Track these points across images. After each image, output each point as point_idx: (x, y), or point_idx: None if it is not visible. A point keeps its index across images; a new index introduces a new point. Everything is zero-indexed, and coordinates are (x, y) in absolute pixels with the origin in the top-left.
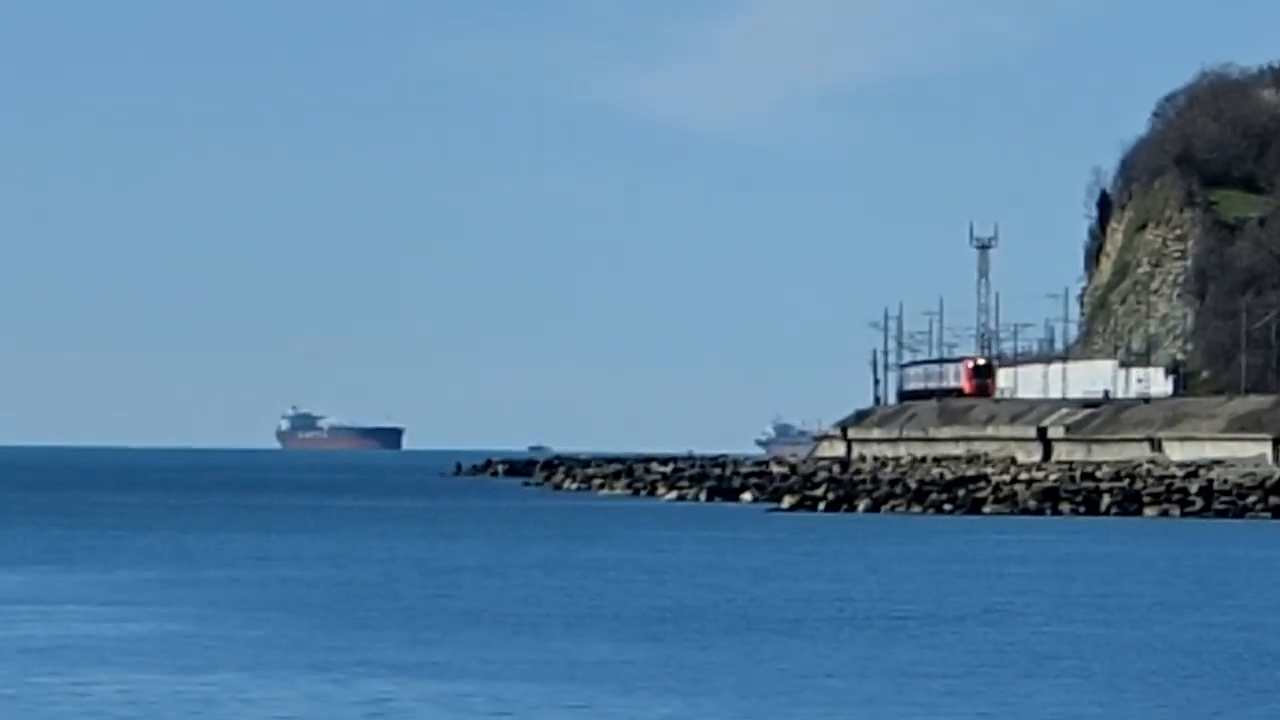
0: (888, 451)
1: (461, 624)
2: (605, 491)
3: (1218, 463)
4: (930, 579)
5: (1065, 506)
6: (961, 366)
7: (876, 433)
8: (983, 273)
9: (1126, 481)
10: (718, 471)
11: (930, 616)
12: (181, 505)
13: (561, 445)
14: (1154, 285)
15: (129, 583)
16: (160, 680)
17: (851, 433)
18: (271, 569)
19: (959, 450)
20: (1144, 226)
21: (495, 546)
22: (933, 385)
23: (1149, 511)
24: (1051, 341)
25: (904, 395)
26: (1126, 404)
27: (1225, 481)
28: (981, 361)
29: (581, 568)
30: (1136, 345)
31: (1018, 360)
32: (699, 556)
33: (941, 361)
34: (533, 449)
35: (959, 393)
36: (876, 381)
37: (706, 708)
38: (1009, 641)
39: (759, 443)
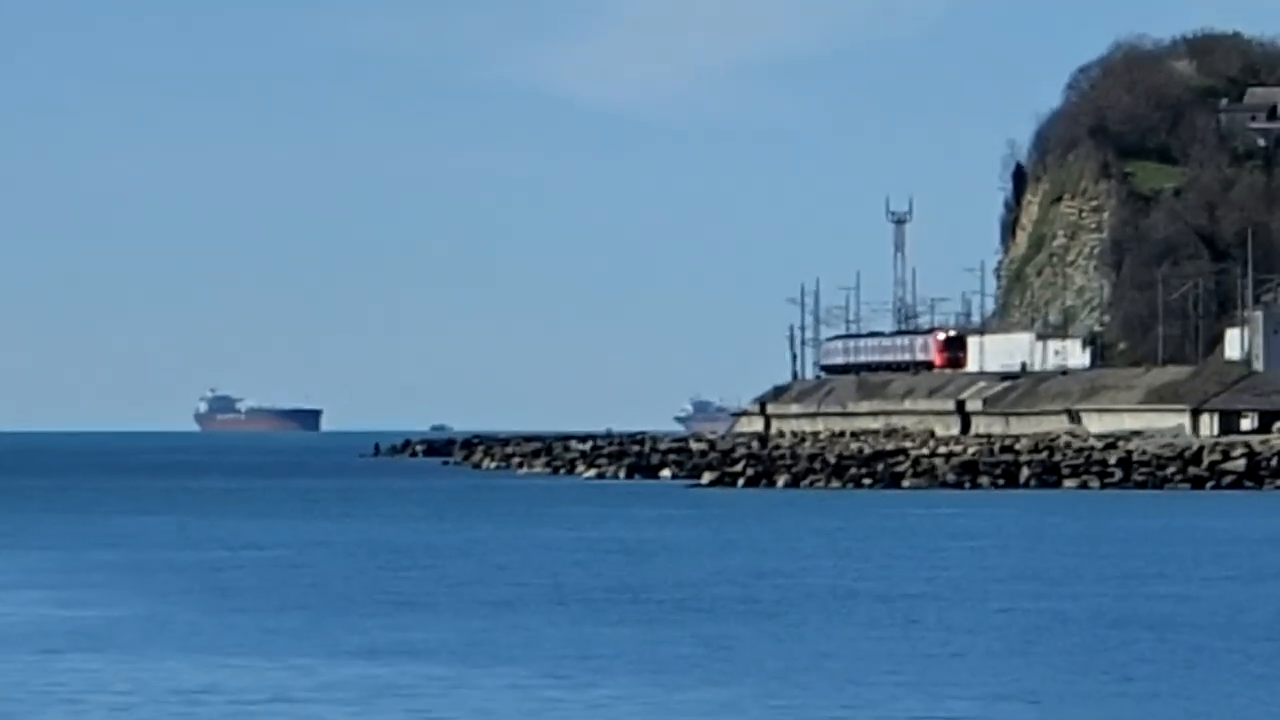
0: (806, 426)
1: (403, 607)
2: (524, 470)
3: (1136, 434)
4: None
5: (984, 479)
6: (931, 339)
7: (795, 408)
8: (899, 247)
9: (1045, 454)
10: (636, 449)
11: (877, 595)
12: (103, 489)
13: (477, 425)
14: (1070, 257)
15: (52, 567)
16: (85, 664)
17: (770, 408)
18: (201, 552)
19: (877, 424)
20: (1059, 199)
21: (427, 526)
22: (895, 358)
23: (1068, 483)
24: (968, 315)
25: (828, 369)
26: (1044, 376)
27: (1144, 453)
28: (953, 333)
29: (510, 548)
30: (1053, 317)
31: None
32: (633, 533)
33: (905, 333)
34: (434, 428)
35: (929, 366)
36: (794, 357)
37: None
38: (948, 620)
39: (678, 419)
